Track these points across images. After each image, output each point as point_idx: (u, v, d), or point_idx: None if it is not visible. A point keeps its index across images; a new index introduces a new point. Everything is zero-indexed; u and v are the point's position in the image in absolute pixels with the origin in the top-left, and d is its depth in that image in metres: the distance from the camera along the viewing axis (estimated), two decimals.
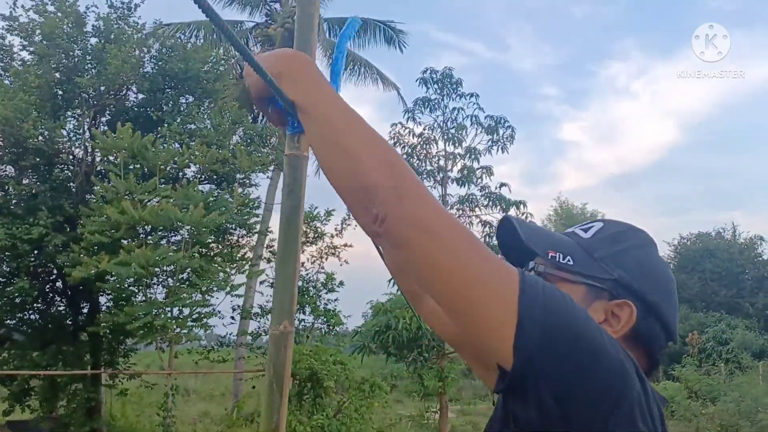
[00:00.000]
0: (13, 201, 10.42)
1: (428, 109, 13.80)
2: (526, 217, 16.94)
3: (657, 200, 55.46)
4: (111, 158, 10.18)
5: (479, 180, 13.69)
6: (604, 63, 58.69)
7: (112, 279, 9.45)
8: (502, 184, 13.87)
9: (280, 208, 1.19)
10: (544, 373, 0.78)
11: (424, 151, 13.66)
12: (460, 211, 15.72)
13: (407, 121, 13.80)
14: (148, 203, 9.39)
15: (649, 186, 55.58)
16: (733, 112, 50.43)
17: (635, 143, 53.40)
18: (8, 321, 11.29)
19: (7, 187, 10.66)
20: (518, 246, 1.03)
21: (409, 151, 13.53)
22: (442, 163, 13.70)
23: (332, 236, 11.92)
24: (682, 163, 52.82)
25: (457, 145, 13.59)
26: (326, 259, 11.84)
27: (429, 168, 13.55)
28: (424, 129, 13.78)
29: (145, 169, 10.26)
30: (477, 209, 14.72)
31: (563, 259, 0.99)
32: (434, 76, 13.75)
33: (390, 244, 0.85)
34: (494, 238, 14.45)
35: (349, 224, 11.72)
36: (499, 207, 14.03)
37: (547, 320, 0.79)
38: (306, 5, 1.24)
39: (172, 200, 9.28)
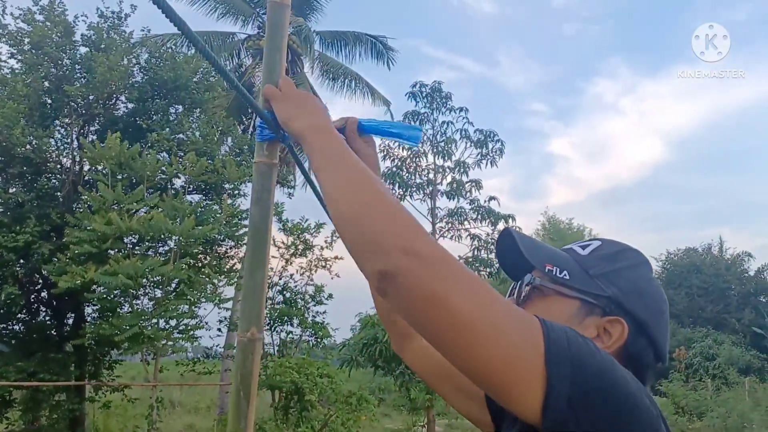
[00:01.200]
0: (0, 210, 10.34)
1: (418, 123, 13.85)
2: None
3: (644, 217, 55.86)
4: (99, 168, 10.13)
5: (468, 193, 13.73)
6: (592, 80, 59.31)
7: (99, 289, 9.36)
8: (491, 198, 13.93)
9: (249, 217, 1.19)
10: (578, 431, 0.76)
11: (414, 164, 13.69)
12: (449, 225, 15.78)
13: None
14: (136, 213, 9.33)
15: (635, 202, 56.00)
16: (719, 131, 51.06)
17: (622, 160, 53.88)
18: None
19: None
20: (516, 258, 1.02)
21: (399, 164, 13.56)
22: (431, 176, 13.74)
23: (322, 248, 11.88)
24: (669, 180, 53.27)
25: (446, 158, 13.65)
26: (315, 271, 11.80)
27: (418, 181, 13.58)
28: None
29: (133, 179, 10.22)
30: (466, 222, 14.78)
31: (560, 273, 0.99)
32: (424, 90, 13.83)
33: (399, 302, 0.81)
34: (482, 252, 14.47)
35: (338, 237, 11.71)
36: (487, 220, 14.07)
37: (578, 378, 0.77)
38: (275, 29, 1.25)
39: (160, 210, 9.23)
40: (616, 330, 0.97)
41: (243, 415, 1.07)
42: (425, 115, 13.77)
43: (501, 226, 14.38)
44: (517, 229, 16.71)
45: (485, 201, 13.88)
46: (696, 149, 53.21)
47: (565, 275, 0.99)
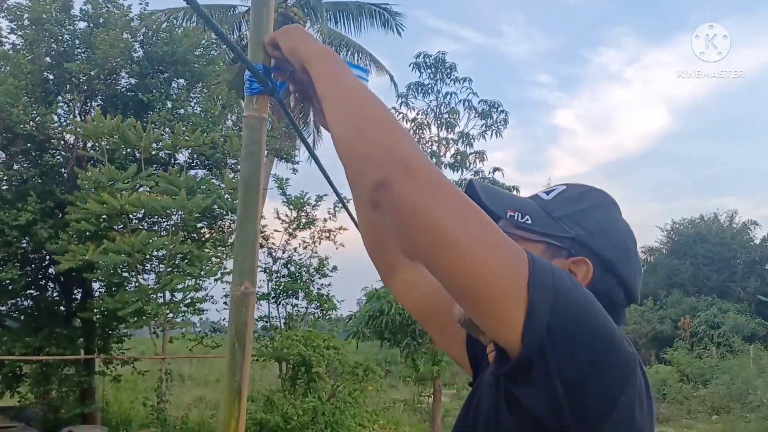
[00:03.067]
0: (4, 187, 10.37)
1: (421, 94, 13.75)
2: None
3: (649, 187, 55.60)
4: (102, 144, 10.12)
5: (472, 165, 13.67)
6: (597, 50, 58.62)
7: (103, 268, 9.41)
8: (496, 169, 13.87)
9: (240, 171, 1.19)
10: (554, 360, 0.77)
11: (417, 137, 13.61)
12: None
13: (400, 106, 13.76)
14: (138, 190, 9.33)
15: (641, 172, 55.69)
16: (725, 99, 50.52)
17: (628, 130, 53.47)
18: (0, 308, 11.29)
19: None
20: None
21: None
22: (435, 148, 13.67)
23: (325, 220, 11.88)
24: (675, 150, 52.89)
25: (450, 130, 13.56)
26: (319, 243, 11.81)
27: None
28: (417, 114, 13.74)
29: (136, 155, 10.21)
30: None
31: (522, 219, 1.00)
32: (427, 60, 13.69)
33: (392, 215, 0.82)
34: None
35: (339, 208, 11.67)
36: None
37: (559, 307, 0.79)
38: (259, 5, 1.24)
39: (157, 186, 9.20)
40: (581, 270, 0.98)
41: (239, 366, 1.10)
42: (429, 86, 13.66)
43: None
44: None
45: (489, 172, 13.83)
46: (702, 117, 52.78)
47: (527, 220, 1.00)
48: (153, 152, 10.16)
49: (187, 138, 9.82)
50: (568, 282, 0.82)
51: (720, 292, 27.20)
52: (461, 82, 13.60)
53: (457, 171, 14.15)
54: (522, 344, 0.78)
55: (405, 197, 0.80)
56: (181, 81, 11.74)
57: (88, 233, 9.14)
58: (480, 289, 0.79)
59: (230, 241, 10.88)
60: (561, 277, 0.82)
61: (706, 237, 29.79)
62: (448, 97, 13.64)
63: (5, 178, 10.49)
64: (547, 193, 1.08)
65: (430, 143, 13.71)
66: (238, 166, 9.86)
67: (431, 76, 13.71)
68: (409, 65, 13.80)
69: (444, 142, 13.63)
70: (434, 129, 13.73)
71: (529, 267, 0.80)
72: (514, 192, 14.52)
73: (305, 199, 11.72)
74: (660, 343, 24.26)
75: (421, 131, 13.62)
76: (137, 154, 10.13)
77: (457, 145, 13.55)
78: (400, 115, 13.65)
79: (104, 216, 8.89)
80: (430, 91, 13.72)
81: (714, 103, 51.11)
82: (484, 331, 0.87)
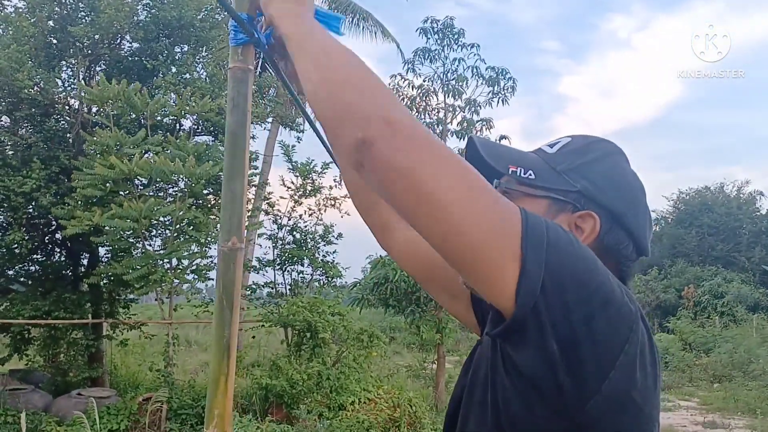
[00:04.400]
0: (9, 152, 10.35)
1: (428, 60, 13.60)
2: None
3: (656, 155, 55.32)
4: (107, 109, 10.07)
5: (479, 133, 13.57)
6: (605, 16, 57.77)
7: (109, 233, 9.43)
8: (502, 137, 13.76)
9: (226, 125, 1.15)
10: (549, 319, 0.75)
11: (424, 104, 13.51)
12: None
13: (407, 73, 13.62)
14: (144, 155, 9.31)
15: (648, 141, 55.35)
16: (734, 67, 49.84)
17: (635, 98, 52.96)
18: (8, 272, 11.37)
19: (1, 138, 10.58)
20: (482, 167, 0.98)
21: (409, 103, 13.38)
22: (441, 115, 13.57)
23: (331, 188, 11.88)
24: (682, 118, 52.52)
25: (456, 97, 13.44)
26: (325, 211, 11.83)
27: (428, 120, 13.42)
28: (424, 81, 13.61)
29: (141, 120, 10.16)
30: None
31: (524, 174, 0.97)
32: (435, 26, 13.50)
33: (376, 175, 0.78)
34: None
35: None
36: None
37: (554, 264, 0.76)
38: None
39: (166, 151, 9.20)
40: (587, 224, 0.95)
41: (227, 323, 1.09)
42: (436, 52, 13.49)
43: None
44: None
45: (496, 140, 13.74)
46: (710, 86, 52.17)
47: (530, 175, 0.97)
48: (158, 118, 10.11)
49: (194, 104, 9.77)
50: (563, 238, 0.79)
51: (725, 262, 27.20)
52: (469, 48, 13.43)
53: (464, 139, 14.05)
54: (516, 304, 0.76)
55: (388, 155, 0.76)
56: (185, 47, 11.62)
57: (94, 199, 9.16)
58: (471, 250, 0.76)
59: None
60: (556, 233, 0.79)
61: (712, 207, 29.68)
62: (456, 63, 13.49)
63: (10, 143, 10.48)
64: (551, 146, 1.04)
65: (436, 110, 13.61)
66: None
67: (438, 41, 13.54)
68: (416, 30, 13.63)
69: (450, 109, 13.52)
70: (441, 96, 13.61)
71: (522, 224, 0.77)
72: None
73: (311, 167, 11.70)
74: (663, 312, 24.36)
75: (427, 98, 13.51)
76: (142, 120, 10.08)
77: (463, 112, 13.44)
78: (406, 82, 13.54)
79: (110, 181, 8.88)
80: (437, 57, 13.56)
81: (723, 71, 50.47)
82: (479, 292, 0.84)
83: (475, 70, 13.38)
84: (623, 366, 0.78)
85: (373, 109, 0.79)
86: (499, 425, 0.84)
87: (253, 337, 12.13)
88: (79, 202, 9.24)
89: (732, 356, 16.13)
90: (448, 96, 13.51)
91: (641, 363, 0.80)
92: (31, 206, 10.16)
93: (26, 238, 9.92)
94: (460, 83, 13.32)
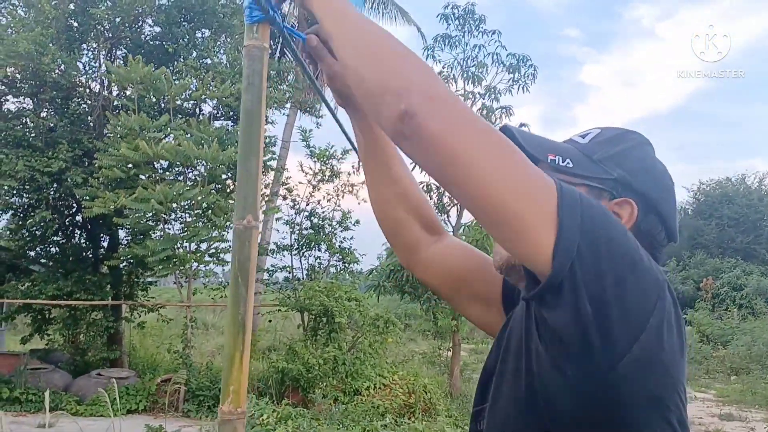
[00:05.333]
0: (32, 134, 10.46)
1: (448, 47, 13.49)
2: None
3: (677, 146, 54.71)
4: (128, 92, 10.14)
5: (498, 120, 13.48)
6: (629, 4, 56.94)
7: (132, 215, 9.53)
8: (522, 125, 13.65)
9: (242, 103, 1.16)
10: (584, 281, 0.79)
11: None
12: None
13: (426, 59, 13.53)
14: (165, 139, 9.37)
15: (670, 131, 54.72)
16: (760, 57, 49.04)
17: (658, 88, 52.32)
18: (30, 253, 11.53)
19: (25, 120, 10.69)
20: None
21: None
22: None
23: (349, 174, 11.88)
24: (705, 109, 51.82)
25: (476, 84, 13.33)
26: (342, 197, 11.83)
27: None
28: (444, 67, 13.51)
29: (162, 104, 10.22)
30: None
31: (563, 162, 1.00)
32: (456, 11, 13.38)
33: (420, 144, 0.81)
34: None
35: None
36: None
37: (588, 229, 0.80)
38: None
39: (188, 136, 9.25)
40: (625, 211, 0.99)
41: (242, 300, 1.09)
42: (457, 38, 13.38)
43: None
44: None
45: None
46: (734, 77, 51.37)
47: (568, 163, 1.00)
48: (179, 102, 10.16)
49: (215, 89, 9.79)
50: (596, 207, 0.84)
51: (744, 254, 26.92)
52: (489, 34, 13.31)
53: None
54: (552, 265, 0.79)
55: (431, 125, 0.79)
56: (206, 32, 11.64)
57: (115, 182, 9.25)
58: (511, 215, 0.80)
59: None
60: (589, 201, 0.83)
61: (732, 198, 29.34)
62: (476, 50, 13.37)
63: (33, 125, 10.58)
64: (583, 136, 1.07)
65: None
66: (264, 119, 9.97)
67: (459, 27, 13.42)
68: (437, 16, 13.51)
69: (470, 96, 13.43)
70: (460, 82, 13.51)
71: (557, 192, 0.81)
72: None
73: (331, 152, 11.70)
74: (681, 304, 23.94)
75: (447, 84, 13.43)
76: (162, 104, 10.14)
77: (483, 99, 13.34)
78: None
79: (131, 164, 8.97)
80: (457, 43, 13.45)
81: (748, 61, 49.65)
82: (516, 257, 0.89)
83: (495, 56, 13.25)
84: (652, 328, 0.81)
85: (414, 82, 0.82)
86: (533, 390, 0.88)
87: (270, 321, 12.21)
88: (102, 184, 9.33)
89: (750, 349, 16.00)
90: (468, 83, 13.41)
91: (668, 328, 0.83)
92: (53, 188, 10.28)
93: (49, 218, 10.05)
94: (480, 70, 13.21)
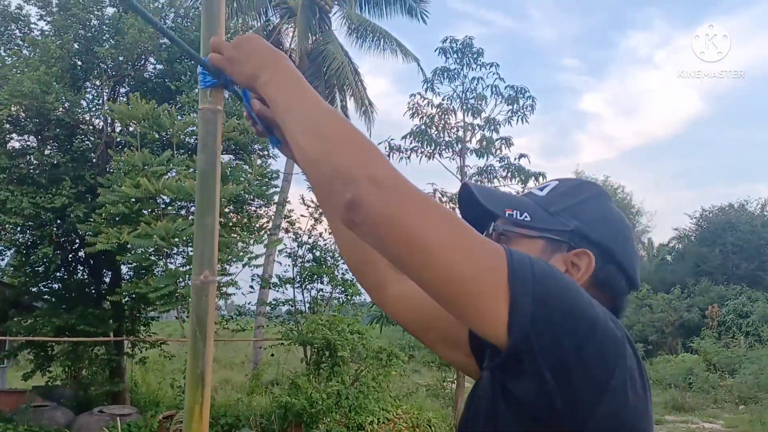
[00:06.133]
0: (36, 171, 10.57)
1: (447, 79, 13.65)
2: None
3: (678, 173, 54.83)
4: (131, 129, 10.25)
5: (498, 151, 13.55)
6: (626, 33, 57.62)
7: (134, 251, 9.56)
8: (521, 155, 13.73)
9: (197, 162, 1.20)
10: (541, 349, 0.79)
11: (443, 122, 13.54)
12: (479, 183, 15.63)
13: (426, 92, 13.68)
14: (167, 174, 9.44)
15: (669, 158, 54.91)
16: (757, 83, 49.41)
17: (657, 115, 52.65)
18: (33, 289, 11.55)
19: (29, 157, 10.80)
20: (478, 210, 1.05)
21: (427, 121, 13.43)
22: (460, 134, 13.59)
23: None
24: (704, 135, 52.05)
25: (476, 115, 13.46)
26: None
27: (447, 139, 13.45)
28: (443, 99, 13.65)
29: (165, 140, 10.32)
30: (495, 180, 14.64)
31: (521, 216, 1.02)
32: (454, 45, 13.57)
33: (369, 231, 0.83)
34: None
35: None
36: (518, 178, 13.91)
37: (541, 296, 0.80)
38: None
39: (191, 170, 9.32)
40: (583, 262, 1.00)
41: (201, 354, 1.12)
42: (455, 71, 13.55)
43: (531, 184, 14.25)
44: None
45: (515, 159, 13.70)
46: (732, 102, 51.73)
47: (525, 217, 1.02)
48: (181, 137, 10.26)
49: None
50: (547, 271, 0.84)
51: (750, 281, 26.77)
52: (488, 67, 13.48)
53: (483, 157, 14.05)
54: (509, 338, 0.80)
55: (377, 211, 0.81)
56: None
57: (117, 217, 9.30)
58: (463, 292, 0.81)
59: (257, 225, 10.99)
60: (540, 266, 0.84)
61: (735, 225, 29.30)
62: (475, 82, 13.53)
63: (37, 162, 10.69)
64: (541, 189, 1.10)
65: (455, 128, 13.64)
66: (265, 152, 9.93)
67: (458, 61, 13.60)
68: (435, 50, 13.70)
69: (470, 128, 13.54)
70: (460, 114, 13.64)
71: (507, 262, 0.82)
72: (540, 179, 14.39)
73: None
74: (687, 332, 24.00)
75: (446, 116, 13.55)
76: (164, 139, 10.24)
77: (482, 130, 13.45)
78: (426, 101, 13.58)
79: (134, 199, 9.02)
80: (456, 76, 13.62)
81: (746, 87, 50.01)
82: (473, 330, 0.88)
83: (494, 88, 13.40)
84: (615, 389, 0.82)
85: (359, 169, 0.83)
86: None
87: (272, 354, 12.16)
88: (105, 220, 9.39)
89: (758, 377, 15.83)
90: (468, 114, 13.54)
91: (632, 385, 0.84)
92: (56, 224, 10.34)
93: (51, 254, 10.09)
94: (479, 102, 13.35)
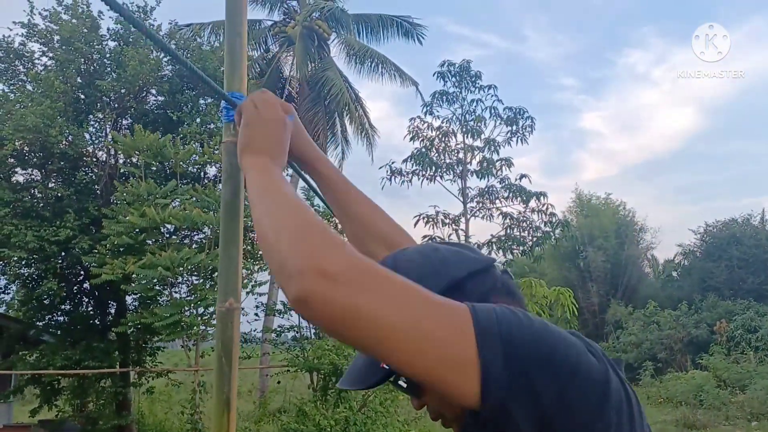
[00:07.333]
0: (40, 204, 10.63)
1: (446, 102, 13.78)
2: (547, 209, 16.88)
3: (680, 188, 54.76)
4: (133, 160, 10.34)
5: (499, 172, 13.63)
6: (623, 51, 57.94)
7: (139, 282, 9.58)
8: (522, 176, 13.80)
9: (221, 194, 1.24)
10: (520, 411, 0.76)
11: (443, 144, 13.64)
12: (480, 204, 15.68)
13: (425, 115, 13.80)
14: (171, 204, 9.50)
15: (671, 174, 54.85)
16: (756, 95, 49.57)
17: (657, 131, 52.75)
18: (38, 323, 11.55)
19: (33, 190, 10.88)
20: None
21: (428, 144, 13.53)
22: (461, 155, 13.68)
23: None
24: (706, 149, 52.02)
25: (476, 137, 13.56)
26: None
27: (448, 161, 13.54)
28: (443, 122, 13.77)
29: (167, 170, 10.40)
30: (497, 201, 14.69)
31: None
32: (452, 69, 13.73)
33: (321, 324, 0.77)
34: (514, 230, 14.30)
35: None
36: (519, 198, 13.95)
37: (513, 355, 0.76)
38: (234, 17, 1.28)
39: (193, 200, 9.38)
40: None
41: (227, 379, 1.14)
42: (454, 94, 13.69)
43: (533, 203, 14.25)
44: (550, 206, 16.51)
45: (516, 179, 13.77)
46: (732, 115, 51.78)
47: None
48: (183, 164, 10.35)
49: (216, 153, 9.99)
50: (515, 322, 0.79)
51: (757, 295, 26.59)
52: (486, 89, 13.61)
53: (484, 178, 14.11)
54: (482, 405, 0.77)
55: (326, 307, 0.75)
56: (209, 99, 11.94)
57: (122, 248, 9.34)
58: (430, 375, 0.77)
59: (261, 253, 11.00)
60: (508, 320, 0.79)
61: (740, 239, 29.18)
62: (474, 104, 13.65)
63: (41, 195, 10.76)
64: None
65: (455, 151, 13.73)
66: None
67: (456, 84, 13.74)
68: (434, 74, 13.87)
69: (470, 150, 13.62)
70: (459, 136, 13.74)
71: (473, 325, 0.77)
72: (542, 198, 14.44)
73: None
74: (696, 348, 23.79)
75: (446, 139, 13.64)
76: (168, 170, 10.32)
77: (482, 152, 13.54)
78: (425, 124, 13.72)
79: (138, 229, 9.07)
80: (455, 99, 13.75)
81: (746, 99, 50.16)
82: (443, 395, 0.83)
83: (493, 110, 13.53)
84: (604, 428, 0.79)
85: (306, 262, 0.77)
86: None
87: (279, 382, 12.10)
88: (110, 251, 9.43)
89: None
90: (467, 136, 13.64)
91: (618, 416, 0.81)
92: (61, 256, 10.38)
93: (56, 287, 10.12)
94: (479, 124, 13.46)
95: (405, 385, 0.93)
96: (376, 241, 1.28)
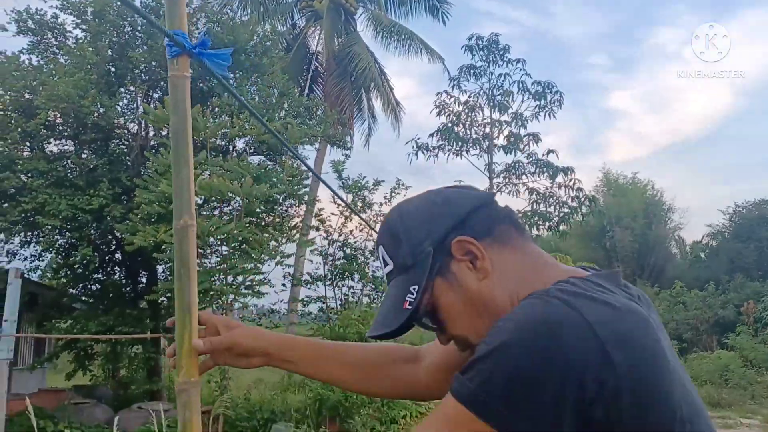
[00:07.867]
0: (74, 174, 10.85)
1: (474, 77, 13.70)
2: (574, 184, 16.70)
3: (711, 169, 53.90)
4: (163, 132, 10.48)
5: (526, 147, 13.55)
6: (653, 29, 56.83)
7: (170, 250, 9.77)
8: (550, 151, 13.72)
9: (170, 124, 1.34)
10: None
11: (470, 119, 13.58)
12: (507, 179, 15.61)
13: (452, 90, 13.75)
14: (202, 175, 9.64)
15: (702, 155, 53.99)
16: None
17: (688, 111, 51.87)
18: (72, 291, 11.85)
19: (67, 161, 11.10)
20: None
21: (454, 119, 13.50)
22: (487, 130, 13.62)
23: (381, 204, 12.03)
24: (737, 130, 51.09)
25: (503, 112, 13.49)
26: (375, 226, 11.98)
27: (474, 136, 13.50)
28: (470, 96, 13.70)
29: (197, 142, 10.53)
30: (524, 176, 14.62)
31: (411, 297, 0.97)
32: (480, 42, 13.62)
33: None
34: (540, 205, 14.15)
35: (398, 193, 11.79)
36: (546, 174, 13.87)
37: (516, 419, 0.78)
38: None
39: (227, 171, 9.51)
40: (468, 247, 0.95)
41: (186, 288, 1.24)
42: (482, 68, 13.60)
43: (560, 179, 14.15)
44: (577, 181, 16.35)
45: (543, 154, 13.68)
46: (765, 95, 50.67)
47: (410, 294, 0.97)
48: (212, 138, 10.47)
49: (246, 126, 10.09)
50: (508, 385, 0.79)
51: None
52: (514, 63, 13.50)
53: (510, 153, 14.03)
54: None
55: None
56: (239, 72, 12.03)
57: (153, 217, 9.52)
58: None
59: (289, 225, 11.14)
60: (501, 390, 0.79)
61: None
62: (501, 78, 13.56)
63: (75, 166, 10.99)
64: (385, 264, 1.05)
65: (482, 125, 13.67)
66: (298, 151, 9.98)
67: (484, 58, 13.64)
68: (461, 48, 13.78)
69: (497, 124, 13.56)
70: (486, 111, 13.68)
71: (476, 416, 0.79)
72: (569, 173, 14.32)
73: (363, 183, 11.89)
74: (722, 329, 23.60)
75: (473, 113, 13.59)
76: (198, 142, 10.45)
77: (510, 126, 13.48)
78: (452, 99, 13.67)
79: (169, 199, 9.22)
80: (482, 73, 13.67)
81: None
82: None
83: (521, 84, 13.42)
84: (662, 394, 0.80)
85: None
86: None
87: None
88: (142, 219, 9.61)
89: None
90: (494, 111, 13.57)
91: (663, 366, 0.81)
92: (94, 225, 10.61)
93: (89, 256, 10.36)
94: (506, 98, 13.38)
95: (429, 323, 0.99)
96: (387, 364, 1.27)
